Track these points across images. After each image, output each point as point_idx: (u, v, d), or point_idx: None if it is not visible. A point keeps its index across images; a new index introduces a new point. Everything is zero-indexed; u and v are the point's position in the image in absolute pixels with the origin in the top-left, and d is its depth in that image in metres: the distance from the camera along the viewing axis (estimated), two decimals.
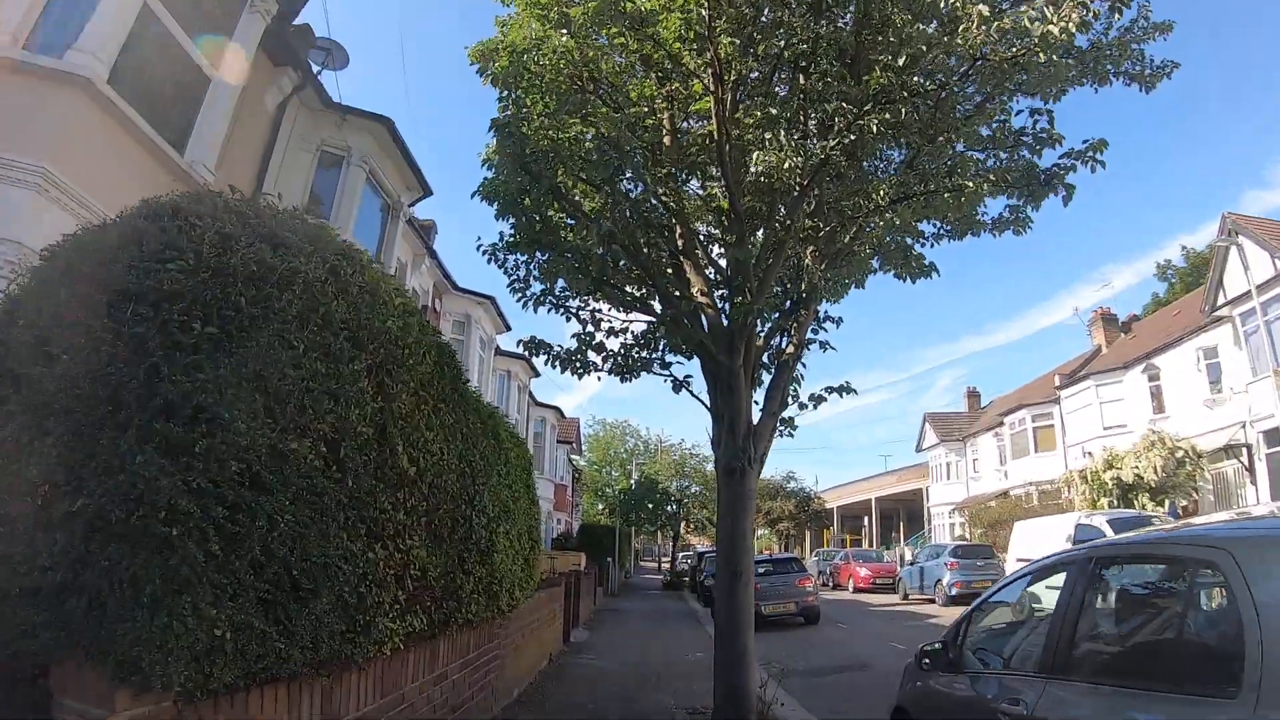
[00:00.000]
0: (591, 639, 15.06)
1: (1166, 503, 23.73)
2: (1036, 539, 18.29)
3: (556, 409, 30.61)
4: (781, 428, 8.38)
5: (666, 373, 8.87)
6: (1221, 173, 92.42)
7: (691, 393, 8.50)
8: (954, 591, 21.78)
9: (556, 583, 12.90)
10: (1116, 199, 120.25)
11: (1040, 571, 4.87)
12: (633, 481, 37.14)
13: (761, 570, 18.22)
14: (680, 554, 64.09)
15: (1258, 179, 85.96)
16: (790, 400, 8.23)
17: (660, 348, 9.28)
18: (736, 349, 7.64)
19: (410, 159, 13.17)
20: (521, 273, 8.97)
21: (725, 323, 7.88)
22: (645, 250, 8.21)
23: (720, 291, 8.41)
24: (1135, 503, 23.69)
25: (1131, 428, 27.63)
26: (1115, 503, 24.07)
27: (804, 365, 8.41)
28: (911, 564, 25.29)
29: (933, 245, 8.80)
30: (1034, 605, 5.05)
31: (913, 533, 59.08)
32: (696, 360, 8.60)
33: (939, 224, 8.70)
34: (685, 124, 8.26)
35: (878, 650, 14.14)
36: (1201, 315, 25.56)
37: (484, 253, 9.05)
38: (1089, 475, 25.14)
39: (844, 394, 7.97)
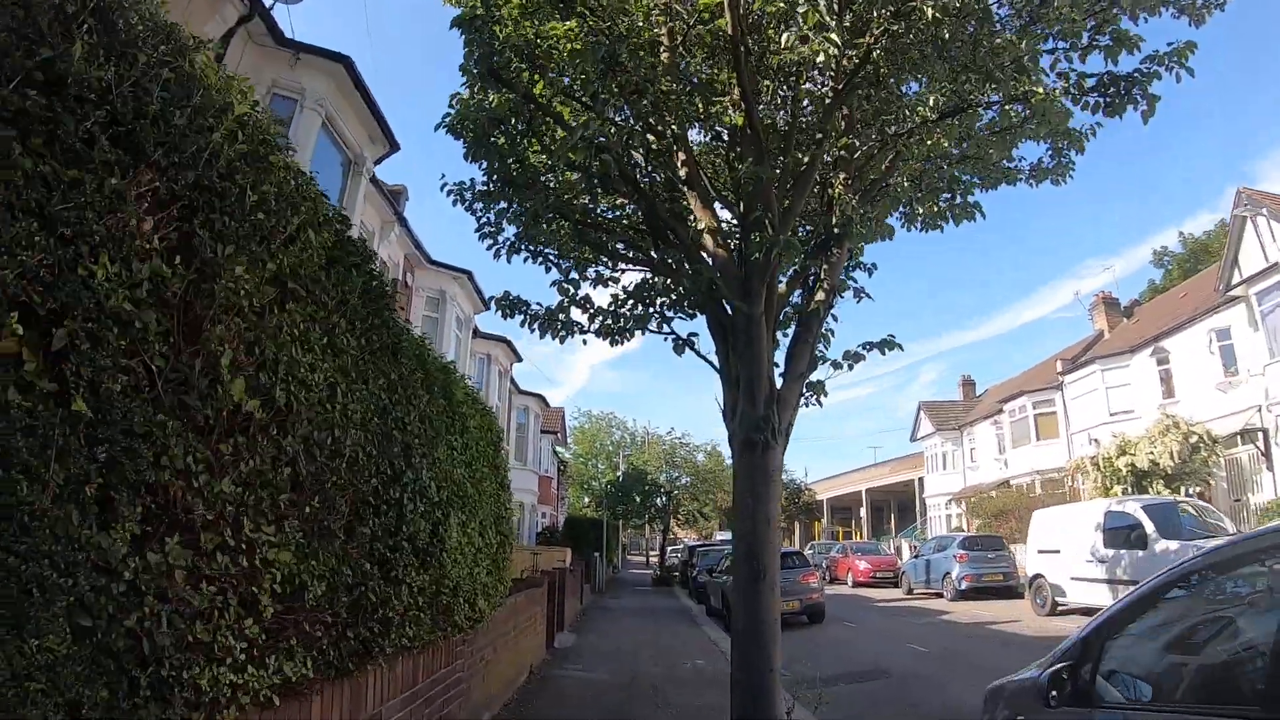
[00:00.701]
0: (579, 644, 13.45)
1: (1182, 489, 22.44)
2: (1059, 528, 16.88)
3: (540, 397, 28.92)
4: (808, 394, 6.80)
5: (667, 330, 7.28)
6: (1203, 168, 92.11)
7: (697, 352, 6.92)
8: (963, 585, 20.39)
9: (538, 583, 11.31)
10: (1096, 194, 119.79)
11: (1217, 566, 3.23)
12: (619, 473, 35.51)
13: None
14: (669, 548, 62.95)
15: (1240, 174, 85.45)
16: (819, 361, 6.66)
17: (658, 304, 7.72)
18: (755, 293, 6.05)
19: (374, 106, 11.56)
20: (492, 215, 7.39)
21: (739, 266, 6.32)
22: (642, 173, 6.63)
23: (731, 226, 6.84)
24: (1150, 489, 22.37)
25: (1139, 413, 26.35)
26: (1130, 490, 22.74)
27: (834, 318, 6.83)
28: (915, 557, 23.85)
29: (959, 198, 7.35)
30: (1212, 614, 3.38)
31: (905, 525, 57.96)
32: (701, 320, 7.07)
33: (968, 174, 7.25)
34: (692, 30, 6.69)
35: (894, 653, 12.64)
36: (1214, 295, 24.22)
37: (449, 192, 7.48)
38: (1100, 462, 23.76)
39: (886, 350, 6.41)
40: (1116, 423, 26.62)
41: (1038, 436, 31.27)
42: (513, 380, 26.76)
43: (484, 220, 7.42)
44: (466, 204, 7.39)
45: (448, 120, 7.19)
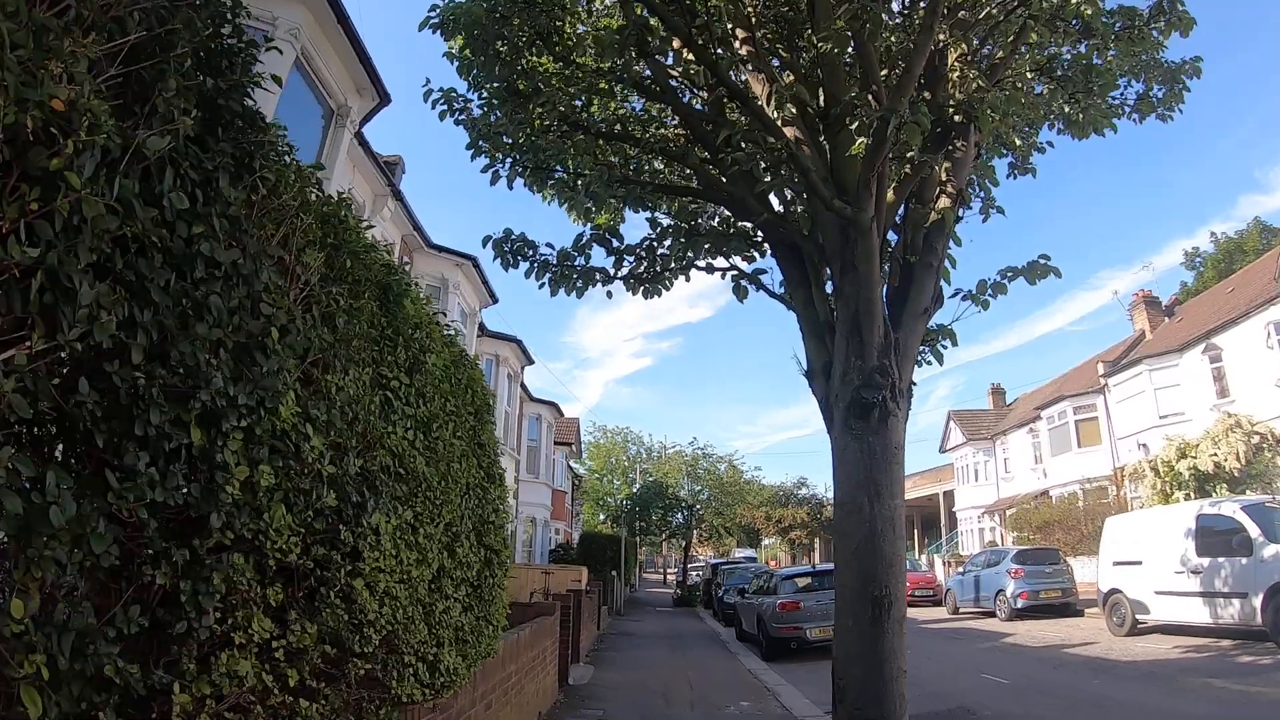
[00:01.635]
0: (598, 680, 11.36)
1: (1247, 493, 20.27)
2: (1140, 537, 14.74)
3: (554, 405, 26.90)
4: (930, 343, 4.80)
5: (724, 267, 5.32)
6: (1213, 180, 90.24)
7: (770, 291, 4.95)
8: (1020, 604, 18.20)
9: (549, 610, 9.26)
10: (1107, 207, 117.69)
11: None
12: (635, 487, 33.25)
13: (801, 583, 14.65)
14: (679, 566, 60.34)
15: (1252, 182, 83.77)
16: (942, 296, 4.66)
17: (702, 249, 5.78)
18: (862, 192, 4.08)
19: (359, 45, 9.70)
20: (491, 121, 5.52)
21: (827, 166, 4.37)
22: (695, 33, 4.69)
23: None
24: (1214, 493, 20.23)
25: (1190, 415, 24.19)
26: (1192, 495, 20.59)
27: (953, 244, 4.81)
28: (961, 573, 21.62)
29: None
30: None
31: (928, 540, 55.48)
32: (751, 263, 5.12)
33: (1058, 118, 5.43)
34: None
35: (971, 687, 10.50)
36: (1272, 285, 22.17)
37: (435, 102, 5.63)
38: (1160, 466, 21.57)
39: (1036, 278, 4.45)
40: (1167, 426, 24.48)
41: (1079, 443, 29.01)
42: (524, 386, 24.79)
43: (477, 130, 5.50)
44: (454, 111, 5.50)
45: (434, 19, 5.36)
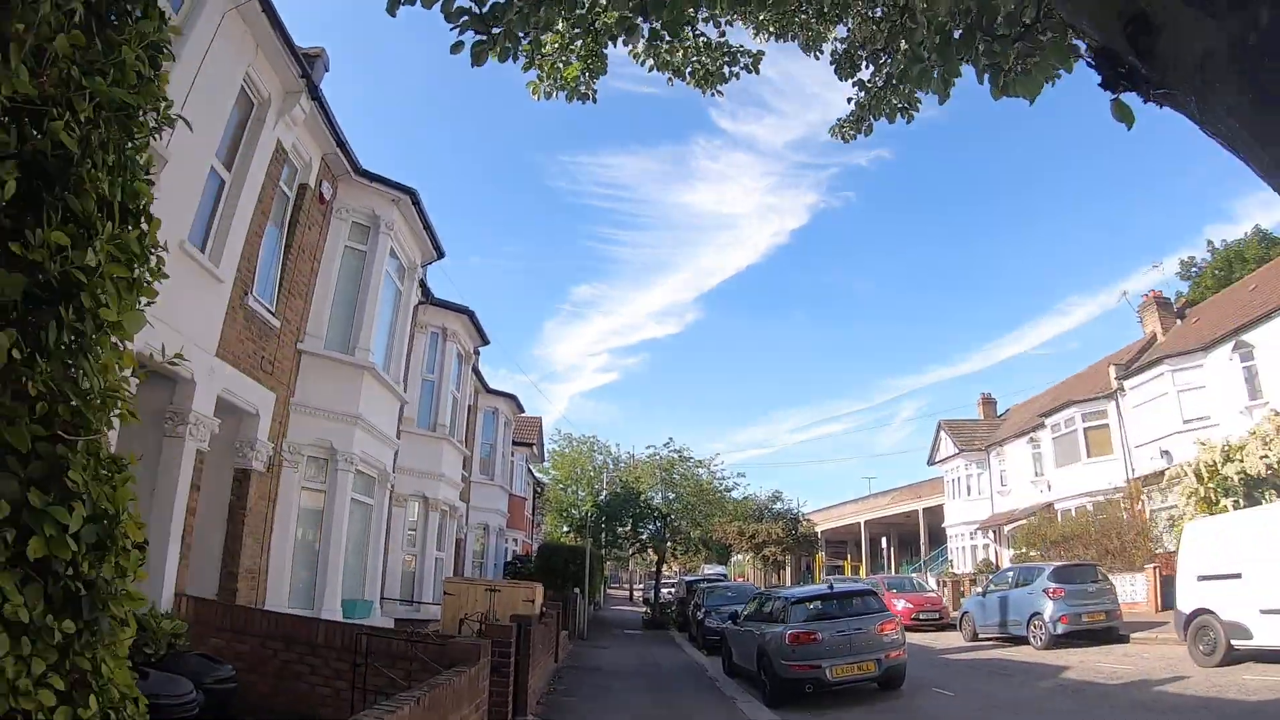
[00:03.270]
0: None
1: None
2: (1236, 544, 11.63)
3: (512, 399, 23.29)
4: None
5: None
6: (1182, 209, 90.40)
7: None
8: (1060, 629, 15.05)
9: (471, 655, 5.66)
10: (1075, 236, 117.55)
11: None
12: (603, 497, 29.46)
13: (816, 607, 11.26)
14: (646, 582, 56.02)
15: (1219, 212, 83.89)
16: None
17: None
18: None
19: None
20: None
21: None
22: None
23: None
24: (1264, 499, 17.40)
25: (1217, 419, 21.40)
26: (1240, 502, 17.69)
27: None
28: (981, 594, 18.35)
29: None
30: None
31: (906, 558, 52.55)
32: None
33: None
34: None
35: None
36: None
37: None
38: (1202, 470, 18.58)
39: None
40: (1192, 430, 21.60)
41: (1088, 453, 26.08)
42: (478, 373, 21.20)
43: None
44: None
45: None
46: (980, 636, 17.69)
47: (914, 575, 31.22)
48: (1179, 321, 28.11)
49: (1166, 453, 22.80)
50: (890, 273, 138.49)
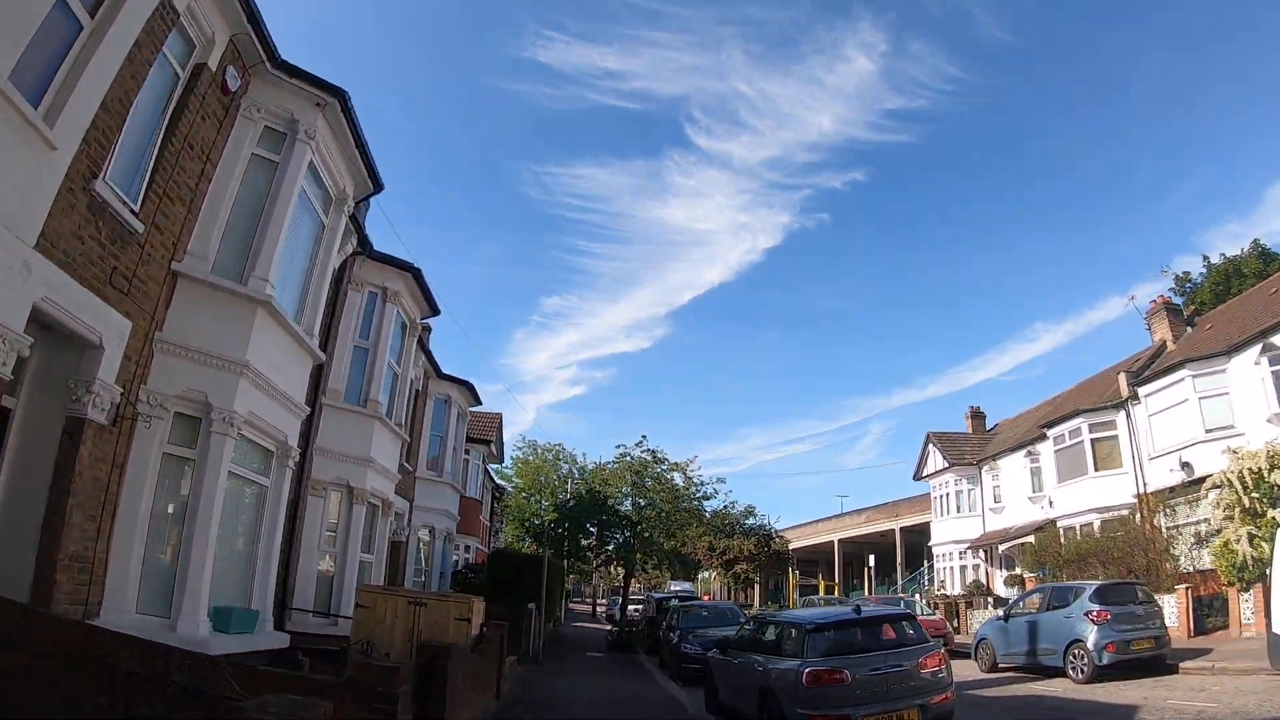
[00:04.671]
0: None
1: None
2: None
3: (467, 386, 20.24)
4: None
5: None
6: (1147, 240, 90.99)
7: None
8: (1105, 659, 12.56)
9: None
10: (1043, 264, 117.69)
11: None
12: (569, 499, 26.34)
13: (839, 637, 8.55)
14: (609, 597, 52.26)
15: (1187, 245, 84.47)
16: None
17: None
18: None
19: None
20: None
21: None
22: None
23: None
24: None
25: (1241, 427, 19.32)
26: None
27: None
28: (1001, 618, 15.72)
29: None
30: None
31: (879, 578, 50.10)
32: None
33: None
34: None
35: None
36: None
37: None
38: (1246, 478, 16.26)
39: None
40: (1216, 440, 19.46)
41: (1096, 466, 23.76)
42: (428, 352, 18.27)
43: None
44: None
45: None
46: (1001, 666, 15.08)
47: (914, 596, 28.59)
48: (1189, 329, 26.15)
49: (1187, 464, 20.56)
50: (861, 295, 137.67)
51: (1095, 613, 12.96)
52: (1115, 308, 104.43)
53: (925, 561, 41.64)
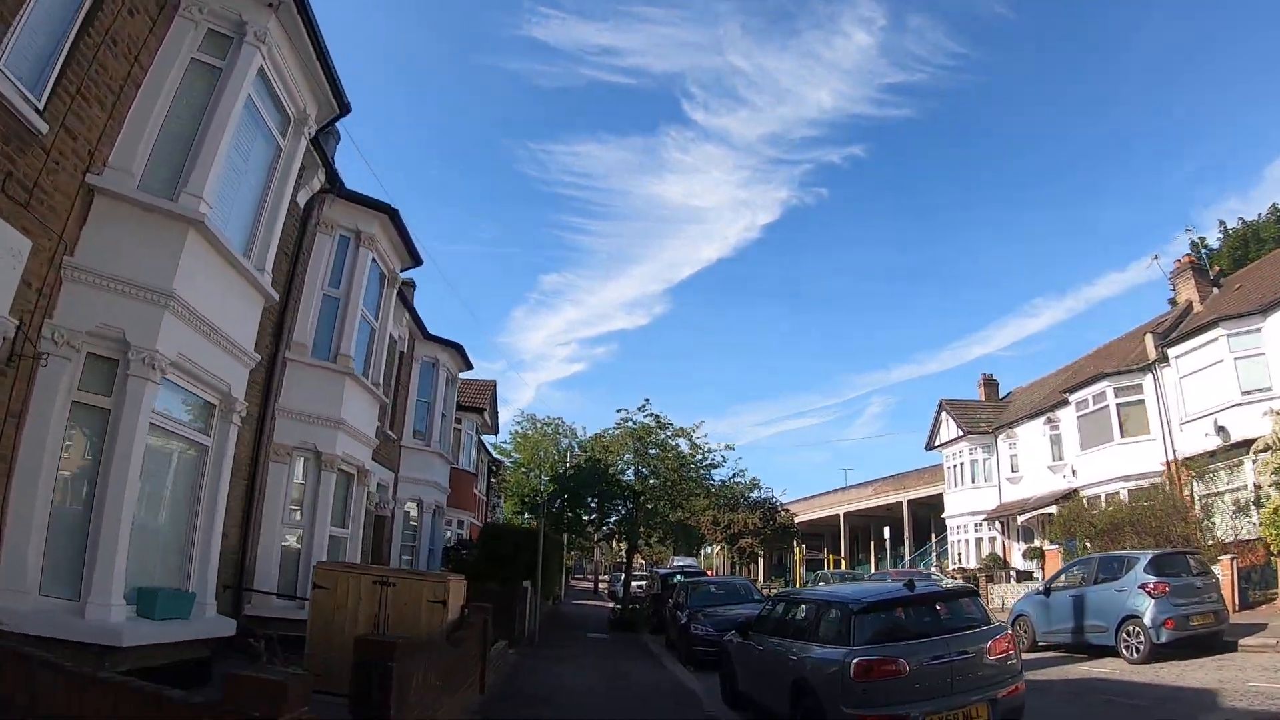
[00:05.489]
0: None
1: None
2: None
3: (456, 347, 18.61)
4: None
5: None
6: (1152, 211, 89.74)
7: None
8: (1164, 636, 11.19)
9: None
10: (1043, 239, 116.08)
11: None
12: (567, 470, 24.87)
13: (891, 619, 7.07)
14: (612, 573, 50.68)
15: (1185, 220, 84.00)
16: None
17: None
18: None
19: None
20: None
21: None
22: None
23: None
24: None
25: (1277, 389, 17.84)
26: None
27: None
28: (1041, 593, 14.31)
29: None
30: None
31: (884, 554, 48.93)
32: None
33: None
34: None
35: None
36: None
37: None
38: None
39: None
40: (1254, 402, 18.08)
41: (1122, 433, 22.33)
42: (411, 309, 16.72)
43: None
44: None
45: None
46: (1041, 645, 13.70)
47: (933, 570, 27.25)
48: (1215, 290, 24.63)
49: (1223, 428, 19.17)
50: (860, 271, 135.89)
51: (1152, 585, 11.56)
52: (1115, 284, 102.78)
53: (932, 536, 40.43)
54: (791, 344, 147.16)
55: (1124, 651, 11.66)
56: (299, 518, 10.73)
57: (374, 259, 12.40)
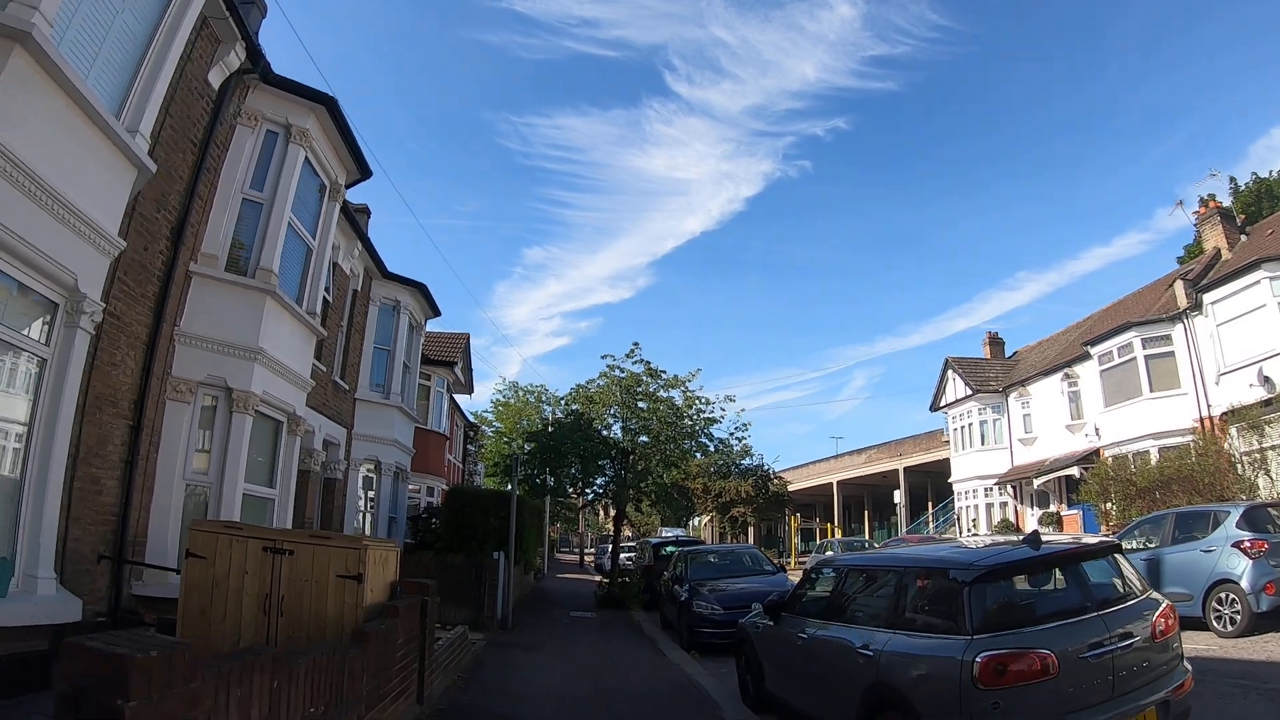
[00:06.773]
0: None
1: None
2: None
3: (419, 287, 15.96)
4: None
5: None
6: (1134, 187, 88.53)
7: None
8: (1264, 604, 9.22)
9: None
10: (1023, 214, 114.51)
11: None
12: (546, 426, 22.34)
13: (1019, 588, 4.69)
14: (597, 545, 48.24)
15: (1170, 195, 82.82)
16: None
17: None
18: None
19: None
20: None
21: None
22: None
23: None
24: None
25: None
26: None
27: None
28: None
29: None
30: None
31: (880, 521, 47.35)
32: None
33: None
34: None
35: None
36: None
37: None
38: None
39: None
40: None
41: (1152, 387, 20.36)
42: (366, 242, 14.26)
43: None
44: None
45: None
46: None
47: (947, 535, 25.28)
48: (1244, 238, 22.63)
49: (1268, 379, 17.24)
50: (843, 242, 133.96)
51: (1249, 542, 9.50)
52: (1099, 257, 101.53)
53: (929, 503, 38.63)
54: (774, 316, 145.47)
55: (1215, 623, 9.61)
56: (207, 474, 8.39)
57: (308, 159, 9.96)
